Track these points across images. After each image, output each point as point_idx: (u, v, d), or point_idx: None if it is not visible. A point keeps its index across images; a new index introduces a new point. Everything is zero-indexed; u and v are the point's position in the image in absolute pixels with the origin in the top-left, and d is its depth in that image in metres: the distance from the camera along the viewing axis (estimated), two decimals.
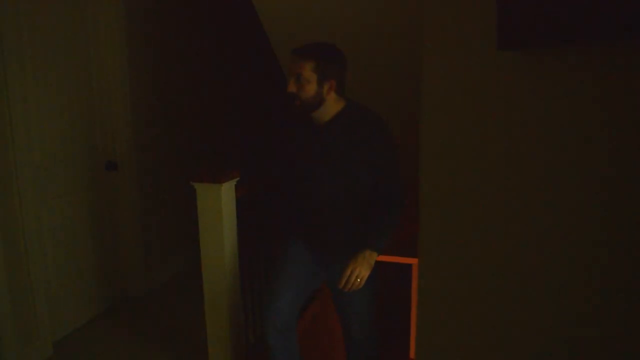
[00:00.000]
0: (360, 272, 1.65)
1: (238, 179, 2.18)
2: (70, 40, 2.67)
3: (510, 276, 1.46)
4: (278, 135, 2.17)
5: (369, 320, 1.88)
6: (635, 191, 0.96)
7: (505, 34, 0.87)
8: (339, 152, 1.72)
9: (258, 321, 2.46)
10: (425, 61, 1.36)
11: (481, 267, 1.54)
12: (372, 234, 1.71)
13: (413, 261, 2.34)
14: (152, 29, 3.33)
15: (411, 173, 1.81)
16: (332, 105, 1.73)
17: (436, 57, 1.35)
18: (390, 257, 2.33)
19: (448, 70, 1.22)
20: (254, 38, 3.73)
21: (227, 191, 2.12)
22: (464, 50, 1.12)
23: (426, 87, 1.39)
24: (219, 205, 2.09)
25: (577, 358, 1.05)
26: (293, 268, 1.87)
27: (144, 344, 2.71)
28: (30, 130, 2.41)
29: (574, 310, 1.34)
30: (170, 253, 3.67)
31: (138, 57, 3.16)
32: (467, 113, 1.33)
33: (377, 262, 1.76)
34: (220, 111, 4.33)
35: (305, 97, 1.68)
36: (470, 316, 1.60)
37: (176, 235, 3.71)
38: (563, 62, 1.02)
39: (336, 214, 1.79)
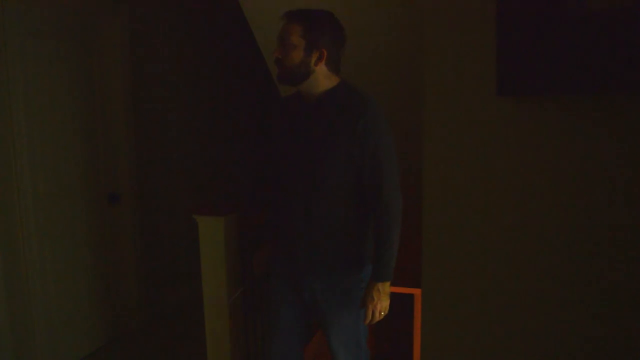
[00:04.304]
0: (380, 306, 1.61)
1: (241, 211, 2.18)
2: (74, 73, 2.71)
3: (514, 304, 1.46)
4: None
5: (357, 346, 1.74)
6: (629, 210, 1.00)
7: (505, 81, 0.91)
8: (323, 132, 1.56)
9: (260, 356, 2.44)
10: (427, 107, 1.40)
11: (485, 296, 1.54)
12: (377, 263, 1.63)
13: (415, 291, 2.35)
14: (158, 60, 3.39)
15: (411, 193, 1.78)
16: (321, 80, 1.57)
17: (437, 103, 1.39)
18: (390, 288, 2.33)
19: (449, 115, 1.25)
20: (262, 67, 3.77)
21: (229, 224, 2.12)
22: (464, 96, 1.16)
23: (428, 129, 1.42)
24: (221, 238, 2.09)
25: None
26: (282, 315, 1.78)
27: None
28: (35, 165, 2.44)
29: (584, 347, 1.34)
30: (172, 286, 3.64)
31: (142, 89, 3.21)
32: (468, 154, 1.37)
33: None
34: (226, 141, 4.35)
35: (289, 64, 1.52)
36: (475, 345, 1.58)
37: (178, 268, 3.69)
38: (559, 109, 1.07)
39: (310, 213, 1.60)
